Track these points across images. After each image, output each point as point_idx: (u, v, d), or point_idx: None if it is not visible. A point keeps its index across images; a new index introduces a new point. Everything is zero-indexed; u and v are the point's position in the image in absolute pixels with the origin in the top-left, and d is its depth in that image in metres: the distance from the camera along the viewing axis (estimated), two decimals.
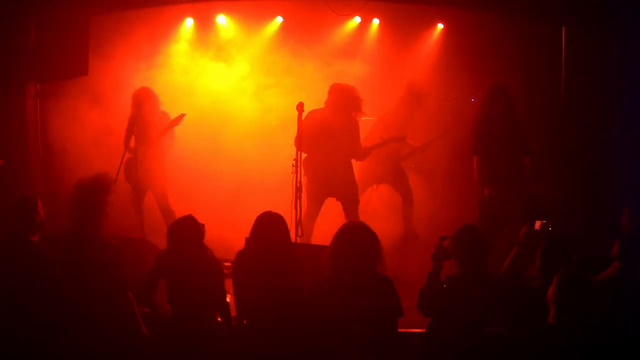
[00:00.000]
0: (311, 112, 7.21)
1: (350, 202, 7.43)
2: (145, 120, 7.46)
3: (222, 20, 9.15)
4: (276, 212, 5.02)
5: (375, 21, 9.41)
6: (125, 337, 4.93)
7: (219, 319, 5.09)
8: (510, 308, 4.68)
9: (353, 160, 7.49)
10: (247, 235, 5.15)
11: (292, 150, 6.98)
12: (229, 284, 5.71)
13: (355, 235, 4.62)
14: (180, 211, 7.63)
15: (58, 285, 4.89)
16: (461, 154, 7.56)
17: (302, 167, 6.86)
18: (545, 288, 4.28)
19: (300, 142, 6.89)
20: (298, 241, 6.55)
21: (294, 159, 6.86)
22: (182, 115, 7.70)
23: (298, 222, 6.82)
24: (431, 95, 8.25)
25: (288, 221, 5.18)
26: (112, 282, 4.95)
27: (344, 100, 7.26)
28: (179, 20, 8.89)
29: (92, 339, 4.80)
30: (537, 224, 5.32)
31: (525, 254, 4.98)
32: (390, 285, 4.57)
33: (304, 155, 7.05)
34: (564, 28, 7.81)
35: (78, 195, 5.09)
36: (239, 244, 5.33)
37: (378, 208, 8.18)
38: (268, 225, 4.92)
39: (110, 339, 4.83)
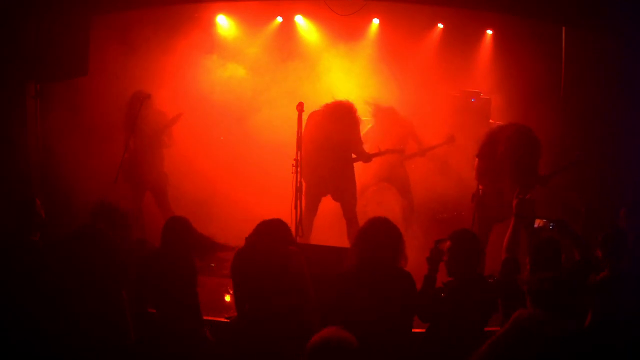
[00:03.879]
0: (311, 114, 7.21)
1: (348, 202, 7.43)
2: (143, 120, 7.46)
3: (222, 20, 9.15)
4: (279, 218, 5.00)
5: (375, 21, 9.42)
6: (114, 337, 4.92)
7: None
8: (508, 309, 4.67)
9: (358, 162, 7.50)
10: (247, 235, 5.15)
11: (292, 150, 6.99)
12: (229, 283, 5.74)
13: (382, 229, 4.62)
14: (179, 211, 7.66)
15: (58, 285, 4.90)
16: (462, 156, 7.58)
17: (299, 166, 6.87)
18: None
19: (300, 143, 6.89)
20: (298, 241, 6.54)
21: (294, 159, 6.87)
22: (180, 114, 7.71)
23: (298, 223, 6.82)
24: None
25: (288, 221, 5.17)
26: (108, 280, 4.94)
27: (340, 115, 7.24)
28: (179, 20, 8.89)
29: (83, 335, 4.80)
30: (538, 222, 5.32)
31: (522, 225, 5.03)
32: (411, 282, 4.56)
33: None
34: (564, 28, 7.81)
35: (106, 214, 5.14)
36: (240, 243, 5.32)
37: (378, 208, 8.19)
38: (269, 233, 4.90)
39: (97, 338, 4.83)
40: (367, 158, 7.50)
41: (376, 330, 4.30)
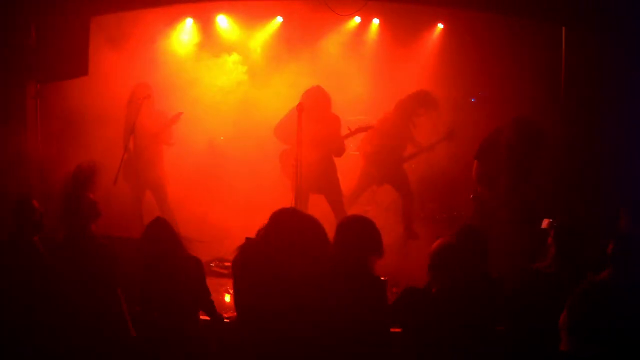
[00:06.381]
0: (290, 112, 7.27)
1: (333, 197, 7.49)
2: (143, 119, 7.47)
3: (222, 20, 9.15)
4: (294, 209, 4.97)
5: (375, 21, 9.42)
6: (113, 336, 4.92)
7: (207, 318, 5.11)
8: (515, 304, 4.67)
9: (351, 160, 7.54)
10: (247, 235, 5.14)
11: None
12: (229, 283, 5.73)
13: (354, 229, 4.59)
14: (179, 210, 7.67)
15: (57, 286, 4.90)
16: (462, 156, 7.58)
17: (281, 164, 7.03)
18: (561, 275, 4.41)
19: (300, 142, 6.89)
20: None
21: (294, 159, 6.87)
22: (180, 114, 7.72)
23: None
24: (436, 99, 8.17)
25: None
26: (102, 281, 4.95)
27: (312, 103, 7.28)
28: (179, 20, 8.90)
29: (81, 336, 4.81)
30: (545, 223, 5.32)
31: None
32: (381, 289, 4.53)
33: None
34: (564, 28, 7.81)
35: (62, 193, 5.13)
36: (239, 243, 5.31)
37: (378, 208, 8.20)
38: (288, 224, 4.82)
39: (98, 337, 4.83)
40: (341, 146, 7.51)
41: (346, 333, 4.30)
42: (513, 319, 4.72)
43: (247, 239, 5.16)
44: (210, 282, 6.51)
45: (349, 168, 8.18)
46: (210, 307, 5.13)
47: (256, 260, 4.77)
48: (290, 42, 9.16)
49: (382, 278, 6.07)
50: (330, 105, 7.48)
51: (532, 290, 4.65)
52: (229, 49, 8.95)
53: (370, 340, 4.38)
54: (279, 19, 9.33)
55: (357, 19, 9.27)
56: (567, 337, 4.07)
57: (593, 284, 4.34)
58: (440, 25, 9.42)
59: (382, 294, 4.51)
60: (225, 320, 5.48)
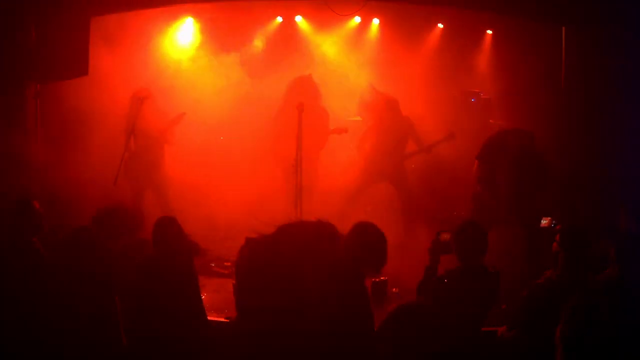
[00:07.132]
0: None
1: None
2: (144, 119, 7.47)
3: (222, 20, 9.15)
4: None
5: (375, 21, 9.43)
6: (103, 343, 4.90)
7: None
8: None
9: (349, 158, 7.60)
10: (247, 235, 5.13)
11: (292, 149, 7.01)
12: (229, 283, 5.72)
13: (367, 243, 4.57)
14: (179, 210, 7.66)
15: (56, 287, 4.89)
16: (463, 156, 7.59)
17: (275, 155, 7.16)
18: (578, 280, 4.33)
19: (300, 142, 6.90)
20: None
21: (294, 159, 6.88)
22: (182, 114, 7.73)
23: None
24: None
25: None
26: (99, 282, 4.93)
27: (298, 90, 7.34)
28: (179, 20, 8.90)
29: (75, 339, 4.80)
30: (544, 221, 5.31)
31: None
32: (367, 298, 4.51)
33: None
34: (564, 28, 7.81)
35: (106, 218, 5.12)
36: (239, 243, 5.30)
37: (377, 208, 8.20)
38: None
39: (90, 341, 4.82)
40: (325, 140, 7.70)
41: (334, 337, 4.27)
42: (533, 332, 4.68)
43: (247, 239, 5.16)
44: (210, 282, 6.56)
45: (347, 166, 8.19)
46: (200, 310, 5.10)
47: (259, 261, 4.78)
48: (290, 42, 9.16)
49: (382, 278, 6.13)
50: (320, 98, 7.52)
51: (550, 301, 4.58)
52: (228, 48, 8.95)
53: (354, 344, 4.37)
54: (279, 19, 9.33)
55: (357, 19, 9.28)
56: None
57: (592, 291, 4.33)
58: (440, 25, 9.42)
59: (367, 304, 4.49)
60: (226, 320, 5.48)
